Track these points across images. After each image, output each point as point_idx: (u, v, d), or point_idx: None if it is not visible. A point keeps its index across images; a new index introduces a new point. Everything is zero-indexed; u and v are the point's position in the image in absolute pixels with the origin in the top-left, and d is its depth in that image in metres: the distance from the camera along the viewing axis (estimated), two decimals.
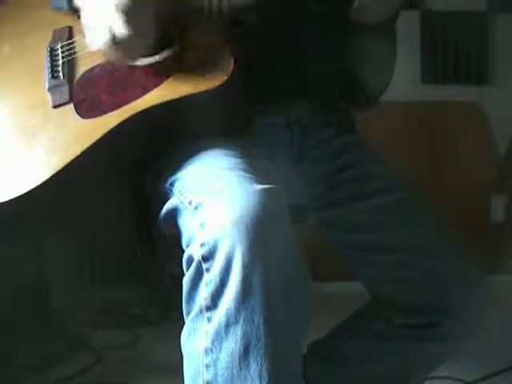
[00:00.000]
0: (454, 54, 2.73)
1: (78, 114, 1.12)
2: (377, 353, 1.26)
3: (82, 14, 1.10)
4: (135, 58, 1.10)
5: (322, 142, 1.29)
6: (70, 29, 1.22)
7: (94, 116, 1.10)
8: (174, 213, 1.06)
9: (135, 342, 2.24)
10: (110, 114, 1.10)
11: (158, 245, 1.25)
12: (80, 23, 1.13)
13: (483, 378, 1.83)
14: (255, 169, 1.03)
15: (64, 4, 1.20)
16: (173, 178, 1.10)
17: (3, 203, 1.08)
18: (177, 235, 1.05)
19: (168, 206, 1.08)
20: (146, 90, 1.09)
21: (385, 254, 1.21)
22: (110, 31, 1.03)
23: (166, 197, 1.10)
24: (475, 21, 2.67)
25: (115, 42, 1.04)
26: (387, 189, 1.24)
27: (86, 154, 1.07)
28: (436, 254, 1.19)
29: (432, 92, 2.74)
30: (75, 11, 1.17)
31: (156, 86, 1.09)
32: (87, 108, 1.12)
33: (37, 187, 1.07)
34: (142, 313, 2.47)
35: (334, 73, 1.34)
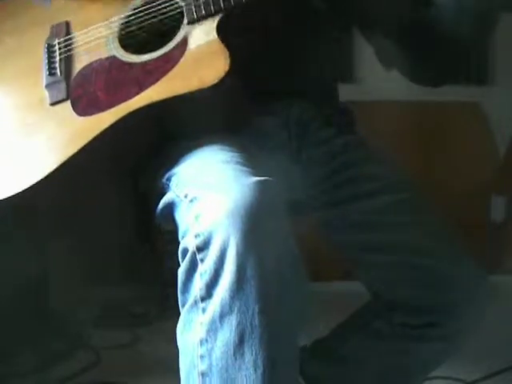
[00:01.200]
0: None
1: (75, 111, 1.12)
2: (377, 352, 1.26)
3: None
4: None
5: (322, 142, 1.28)
6: (68, 24, 1.22)
7: (91, 113, 1.11)
8: (171, 207, 1.06)
9: (135, 342, 2.24)
10: (107, 111, 1.10)
11: (157, 242, 1.25)
12: (77, 17, 1.13)
13: (483, 378, 1.83)
14: (251, 162, 1.03)
15: None
16: (170, 173, 1.10)
17: (1, 201, 1.08)
18: (175, 231, 1.05)
19: (165, 200, 1.08)
20: (142, 88, 1.10)
21: (385, 254, 1.21)
22: None
23: (163, 192, 1.10)
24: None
25: None
26: (387, 189, 1.24)
27: (82, 151, 1.08)
28: (436, 254, 1.18)
29: (432, 92, 2.73)
30: None
31: (152, 83, 1.10)
32: (84, 105, 1.12)
33: (34, 185, 1.07)
34: (142, 312, 2.47)
35: (333, 73, 1.34)
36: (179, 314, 1.01)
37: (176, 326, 1.01)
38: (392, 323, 1.23)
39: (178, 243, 1.01)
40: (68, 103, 1.13)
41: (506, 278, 2.38)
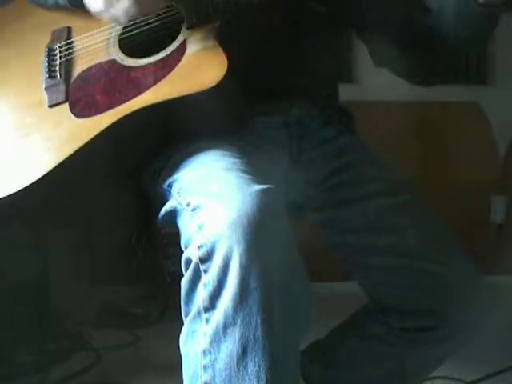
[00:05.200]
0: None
1: (73, 113, 1.13)
2: (376, 355, 1.25)
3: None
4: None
5: (322, 143, 1.28)
6: (69, 29, 1.23)
7: (89, 116, 1.11)
8: (173, 214, 1.06)
9: (135, 342, 2.25)
10: (104, 113, 1.10)
11: (157, 244, 1.26)
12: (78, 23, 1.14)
13: (483, 378, 1.83)
14: (253, 169, 1.03)
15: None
16: (171, 179, 1.10)
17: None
18: (176, 233, 1.05)
19: (166, 207, 1.08)
20: (140, 91, 1.10)
21: (384, 258, 1.20)
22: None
23: (164, 198, 1.10)
24: None
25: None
26: (387, 191, 1.23)
27: (79, 153, 1.08)
28: (435, 258, 1.18)
29: (432, 92, 2.73)
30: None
31: (150, 86, 1.10)
32: (82, 108, 1.12)
33: (31, 185, 1.08)
34: (142, 313, 2.47)
35: (333, 73, 1.34)
36: (179, 315, 1.01)
37: (176, 327, 1.01)
38: (390, 327, 1.23)
39: (179, 246, 1.01)
40: (66, 105, 1.14)
41: (506, 279, 2.38)
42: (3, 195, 1.09)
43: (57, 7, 1.24)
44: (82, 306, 2.44)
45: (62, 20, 1.24)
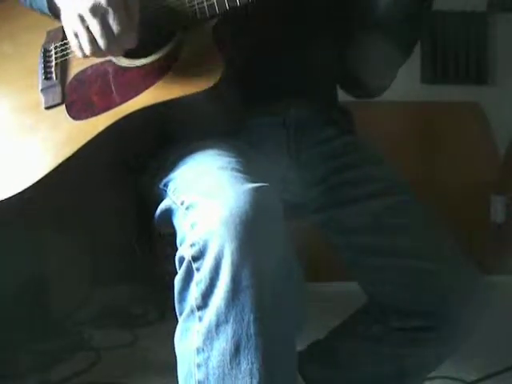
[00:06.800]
0: (454, 54, 2.73)
1: (70, 115, 1.12)
2: (376, 355, 1.25)
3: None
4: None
5: (321, 143, 1.28)
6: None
7: (86, 117, 1.11)
8: (168, 213, 1.06)
9: (135, 342, 2.25)
10: (101, 115, 1.10)
11: (156, 244, 1.26)
12: None
13: (483, 378, 1.84)
14: (248, 168, 1.03)
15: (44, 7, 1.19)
16: (167, 179, 1.10)
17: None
18: (174, 234, 1.05)
19: (162, 206, 1.08)
20: (136, 92, 1.10)
21: (383, 258, 1.20)
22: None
23: (160, 197, 1.10)
24: (475, 21, 2.68)
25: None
26: (387, 191, 1.23)
27: (77, 155, 1.08)
28: (435, 258, 1.18)
29: (432, 92, 2.74)
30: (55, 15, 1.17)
31: (147, 88, 1.09)
32: (78, 109, 1.12)
33: (29, 187, 1.08)
34: (141, 313, 2.47)
35: (332, 73, 1.34)
36: None
37: (175, 327, 1.01)
38: (389, 327, 1.22)
39: (177, 247, 1.01)
40: (63, 107, 1.14)
41: (506, 278, 2.38)
42: (2, 198, 1.09)
43: (42, 13, 1.23)
44: (82, 306, 2.44)
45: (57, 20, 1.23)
